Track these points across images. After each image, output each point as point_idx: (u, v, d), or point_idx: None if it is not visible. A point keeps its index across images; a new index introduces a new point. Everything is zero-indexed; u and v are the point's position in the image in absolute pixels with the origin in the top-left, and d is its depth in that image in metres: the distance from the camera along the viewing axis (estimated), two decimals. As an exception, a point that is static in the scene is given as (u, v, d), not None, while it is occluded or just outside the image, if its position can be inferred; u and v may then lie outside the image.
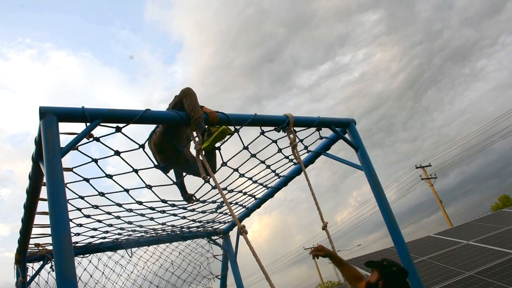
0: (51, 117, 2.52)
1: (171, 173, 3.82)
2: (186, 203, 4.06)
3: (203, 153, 3.12)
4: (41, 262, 4.62)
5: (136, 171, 3.21)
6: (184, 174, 3.85)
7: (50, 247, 4.44)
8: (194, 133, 3.19)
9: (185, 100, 3.15)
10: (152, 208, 3.99)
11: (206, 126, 3.16)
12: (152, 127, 3.32)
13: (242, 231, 2.71)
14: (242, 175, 3.95)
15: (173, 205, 4.03)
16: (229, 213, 5.05)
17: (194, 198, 4.02)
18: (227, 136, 3.27)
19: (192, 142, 3.38)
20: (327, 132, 4.18)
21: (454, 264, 8.17)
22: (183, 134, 3.55)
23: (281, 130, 3.65)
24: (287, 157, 4.06)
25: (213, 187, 3.83)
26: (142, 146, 3.05)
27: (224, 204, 4.56)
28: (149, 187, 3.44)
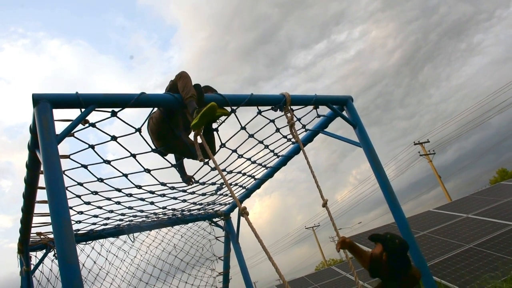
0: (44, 104, 2.48)
1: (170, 156, 3.81)
2: (185, 185, 4.05)
3: (201, 134, 3.09)
4: (44, 251, 4.65)
5: (134, 155, 3.19)
6: (183, 157, 3.84)
7: (52, 236, 4.46)
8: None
9: (179, 82, 3.12)
10: (152, 192, 3.99)
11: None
12: (148, 111, 3.29)
13: (244, 213, 2.70)
14: (240, 156, 3.94)
15: (173, 188, 4.02)
16: (230, 195, 5.06)
17: (193, 180, 4.02)
18: (224, 117, 3.24)
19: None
20: (324, 111, 4.15)
21: (454, 237, 8.27)
22: (180, 120, 3.53)
23: (278, 110, 3.63)
24: (285, 137, 4.04)
25: (213, 169, 3.83)
26: (139, 130, 3.02)
27: (224, 186, 4.56)
28: (148, 171, 3.43)
